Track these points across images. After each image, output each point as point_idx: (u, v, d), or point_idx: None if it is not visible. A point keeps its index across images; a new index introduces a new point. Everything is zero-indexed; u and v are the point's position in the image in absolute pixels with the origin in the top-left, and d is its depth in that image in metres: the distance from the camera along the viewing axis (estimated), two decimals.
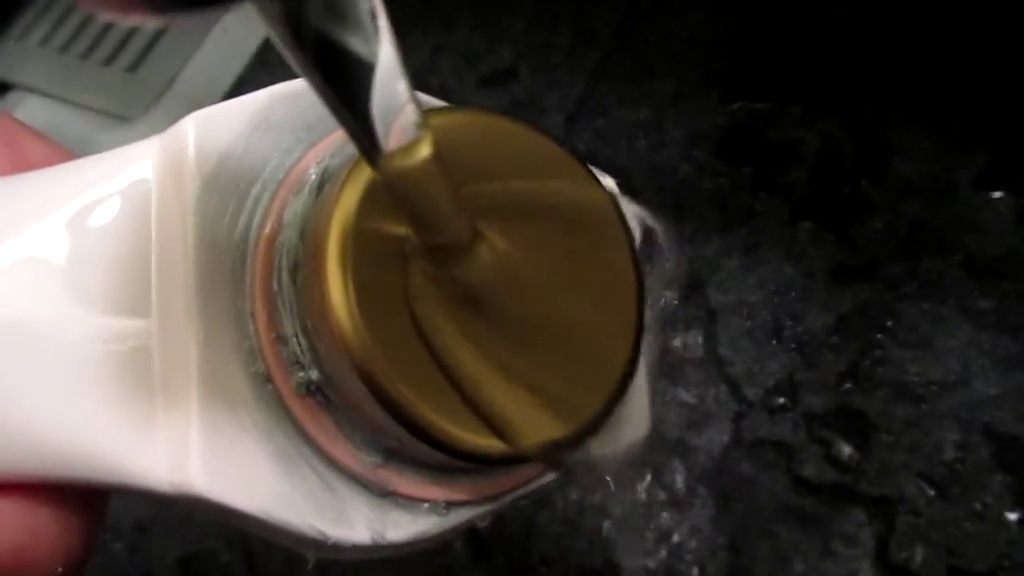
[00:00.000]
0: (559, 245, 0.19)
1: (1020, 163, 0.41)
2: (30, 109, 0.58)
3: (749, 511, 0.37)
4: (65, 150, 0.22)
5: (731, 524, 0.37)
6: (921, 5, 0.45)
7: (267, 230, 0.18)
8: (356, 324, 0.16)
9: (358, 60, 0.12)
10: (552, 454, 0.18)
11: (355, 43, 0.12)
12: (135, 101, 0.55)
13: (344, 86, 0.13)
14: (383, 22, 0.12)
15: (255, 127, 0.18)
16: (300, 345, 0.18)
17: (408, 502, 0.19)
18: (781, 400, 0.39)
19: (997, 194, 0.40)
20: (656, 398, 0.20)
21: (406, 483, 0.19)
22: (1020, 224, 0.39)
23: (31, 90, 0.59)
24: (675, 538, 0.37)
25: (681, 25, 0.49)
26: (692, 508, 0.38)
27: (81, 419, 0.17)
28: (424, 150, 0.15)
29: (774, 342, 0.40)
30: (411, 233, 0.17)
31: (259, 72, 0.51)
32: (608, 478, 0.18)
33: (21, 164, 0.21)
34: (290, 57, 0.12)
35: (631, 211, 0.20)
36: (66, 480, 0.18)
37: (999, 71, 0.43)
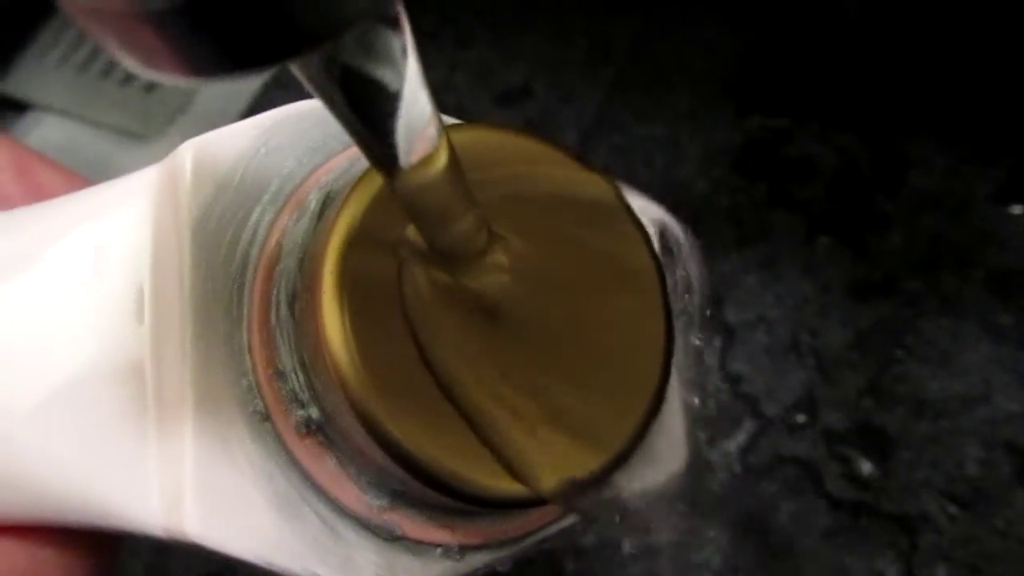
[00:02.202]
0: (574, 247, 0.17)
1: None
2: (49, 128, 0.59)
3: (769, 529, 0.37)
4: (77, 175, 0.22)
5: (751, 542, 0.37)
6: (938, 20, 0.45)
7: (265, 259, 0.17)
8: (352, 358, 0.15)
9: (386, 89, 0.12)
10: (574, 495, 0.16)
11: (384, 74, 0.12)
12: (153, 120, 0.56)
13: (371, 114, 0.13)
14: (409, 41, 0.12)
15: (255, 152, 0.17)
16: (299, 381, 0.16)
17: (418, 547, 0.17)
18: (801, 417, 0.39)
19: (1016, 208, 0.40)
20: (696, 423, 0.18)
21: (416, 526, 0.17)
22: None
23: (50, 109, 0.59)
24: (695, 557, 0.37)
25: (696, 41, 0.49)
26: (712, 526, 0.37)
27: (74, 460, 0.17)
28: (441, 159, 0.14)
29: (793, 358, 0.40)
30: (413, 238, 0.16)
31: (275, 91, 0.51)
32: (642, 520, 0.17)
33: (35, 193, 0.20)
34: (315, 92, 0.12)
35: (650, 212, 0.18)
36: (60, 522, 0.17)
37: (1016, 85, 0.42)
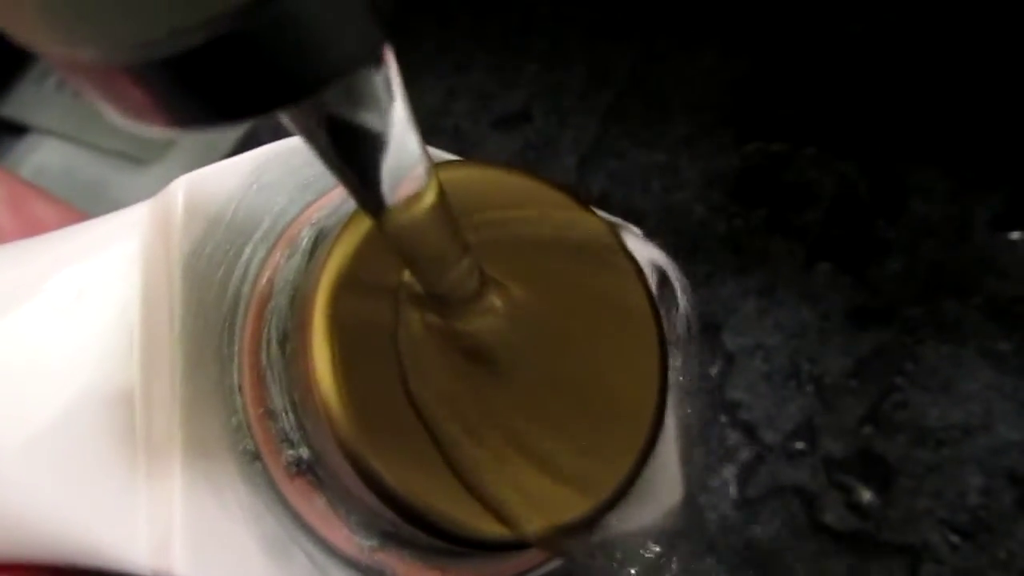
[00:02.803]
0: (568, 287, 0.17)
1: None
2: (47, 151, 0.59)
3: (768, 559, 0.37)
4: (72, 208, 0.21)
5: (749, 571, 0.37)
6: (937, 45, 0.45)
7: (257, 297, 0.17)
8: (342, 399, 0.15)
9: (373, 133, 0.12)
10: (561, 540, 0.16)
11: (370, 119, 0.12)
12: (151, 144, 0.56)
13: (357, 157, 0.13)
14: (396, 83, 0.12)
15: (247, 188, 0.17)
16: (289, 421, 0.16)
17: None
18: (800, 445, 0.39)
19: (1016, 235, 0.40)
20: (693, 460, 0.18)
21: (406, 567, 0.17)
22: None
23: (48, 132, 0.59)
24: None
25: (695, 67, 0.49)
26: (710, 555, 0.37)
27: (63, 498, 0.16)
28: (429, 198, 0.14)
29: (792, 386, 0.40)
30: (409, 282, 0.16)
31: (274, 117, 0.51)
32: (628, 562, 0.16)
33: (29, 225, 0.20)
34: (302, 136, 0.12)
35: (646, 253, 0.18)
36: (49, 561, 0.17)
37: (1017, 111, 0.42)
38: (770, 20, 0.48)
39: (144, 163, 0.56)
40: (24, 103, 0.60)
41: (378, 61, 0.11)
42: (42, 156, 0.58)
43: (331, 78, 0.09)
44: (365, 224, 0.16)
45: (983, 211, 0.41)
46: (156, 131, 0.09)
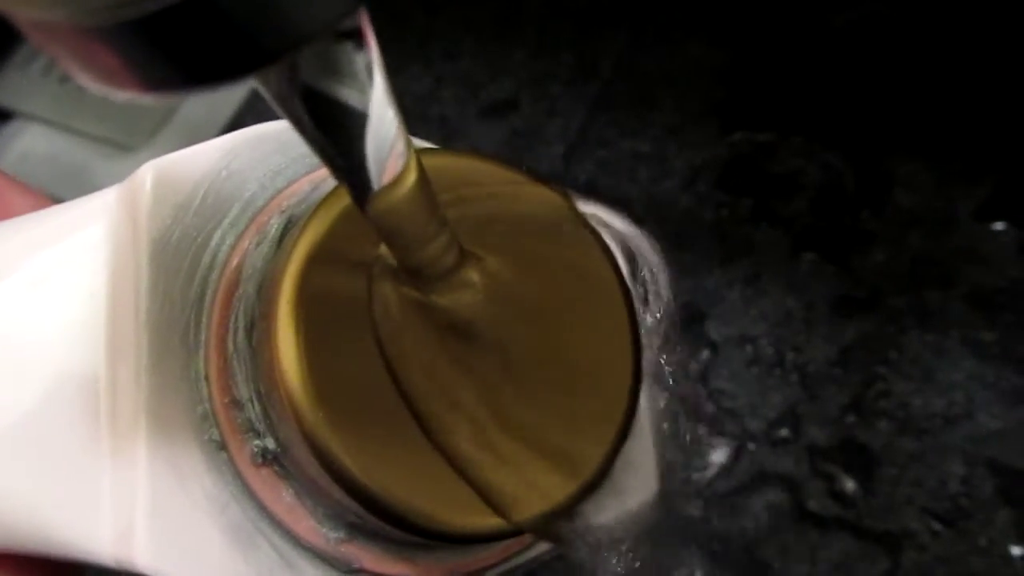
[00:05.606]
0: (536, 262, 0.17)
1: (1022, 195, 0.40)
2: (32, 137, 0.58)
3: (751, 546, 0.37)
4: (48, 199, 0.21)
5: (732, 559, 0.37)
6: (923, 37, 0.45)
7: (225, 284, 0.17)
8: (307, 389, 0.15)
9: (352, 108, 0.12)
10: (548, 525, 0.16)
11: (350, 95, 0.12)
12: (137, 130, 0.55)
13: (338, 134, 0.12)
14: (375, 59, 0.12)
15: (217, 174, 0.17)
16: (255, 410, 0.16)
17: None
18: (784, 433, 0.39)
19: (999, 226, 0.40)
20: (667, 453, 0.18)
21: (374, 559, 0.17)
22: (1022, 256, 0.39)
23: (33, 118, 0.59)
24: (675, 574, 0.37)
25: (682, 56, 0.49)
26: (693, 542, 0.37)
27: (26, 486, 0.16)
28: (411, 177, 0.14)
29: (776, 374, 0.40)
30: (384, 257, 0.16)
31: (260, 102, 0.51)
32: (609, 550, 0.16)
33: (3, 216, 0.20)
34: (283, 113, 0.12)
35: (616, 225, 0.18)
36: (16, 549, 0.17)
37: (1001, 102, 0.42)
38: (757, 11, 0.48)
39: (129, 149, 0.55)
40: (9, 89, 0.60)
41: (354, 30, 0.11)
42: (27, 142, 0.58)
43: (302, 41, 0.09)
44: (333, 212, 0.16)
45: (967, 202, 0.41)
46: (128, 96, 0.09)
